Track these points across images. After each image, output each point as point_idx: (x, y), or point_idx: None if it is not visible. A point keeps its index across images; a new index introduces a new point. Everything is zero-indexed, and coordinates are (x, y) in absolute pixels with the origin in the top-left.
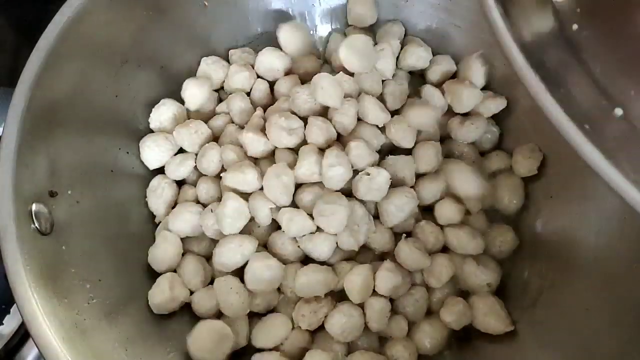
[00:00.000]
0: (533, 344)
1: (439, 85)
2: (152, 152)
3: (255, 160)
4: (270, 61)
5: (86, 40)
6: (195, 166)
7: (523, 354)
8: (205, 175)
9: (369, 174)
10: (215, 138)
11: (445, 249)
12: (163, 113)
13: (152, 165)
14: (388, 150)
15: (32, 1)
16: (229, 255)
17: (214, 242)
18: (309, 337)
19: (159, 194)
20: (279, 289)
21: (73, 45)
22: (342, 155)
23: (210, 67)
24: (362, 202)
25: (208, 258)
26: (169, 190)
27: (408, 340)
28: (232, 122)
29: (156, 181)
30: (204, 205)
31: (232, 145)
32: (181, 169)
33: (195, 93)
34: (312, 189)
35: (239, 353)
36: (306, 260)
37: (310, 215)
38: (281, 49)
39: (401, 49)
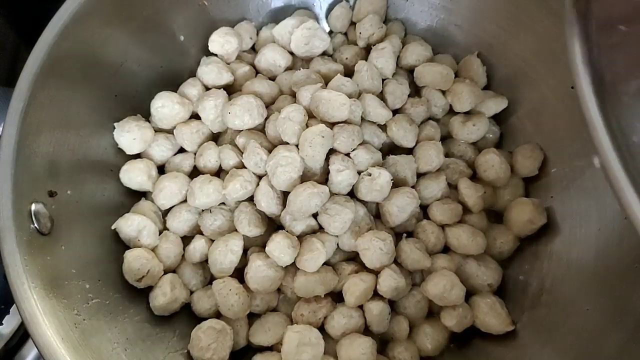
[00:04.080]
0: (533, 344)
1: None
2: (153, 152)
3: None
4: (272, 56)
5: (85, 40)
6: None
7: (523, 354)
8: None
9: (370, 175)
10: (215, 138)
11: (446, 249)
12: (161, 103)
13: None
14: (389, 150)
15: (32, 1)
16: (221, 258)
17: (212, 241)
18: None
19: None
20: (279, 290)
21: (72, 46)
22: (348, 159)
23: (210, 67)
24: (363, 202)
25: (206, 259)
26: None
27: (409, 342)
28: None
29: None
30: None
31: (231, 146)
32: (181, 167)
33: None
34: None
35: (239, 353)
36: None
37: (314, 215)
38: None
39: (401, 48)
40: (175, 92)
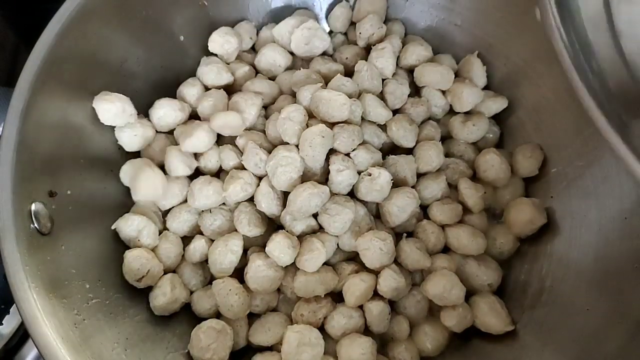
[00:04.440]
0: (533, 344)
1: None
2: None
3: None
4: (272, 56)
5: (85, 40)
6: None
7: (523, 354)
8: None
9: (370, 175)
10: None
11: (446, 249)
12: (163, 112)
13: None
14: (389, 150)
15: (32, 1)
16: (221, 258)
17: (212, 241)
18: None
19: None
20: (279, 290)
21: (72, 45)
22: (348, 159)
23: (210, 67)
24: (363, 202)
25: (206, 259)
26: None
27: (410, 342)
28: None
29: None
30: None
31: (231, 146)
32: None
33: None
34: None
35: (239, 353)
36: None
37: (314, 215)
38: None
39: (401, 48)
40: (175, 91)
